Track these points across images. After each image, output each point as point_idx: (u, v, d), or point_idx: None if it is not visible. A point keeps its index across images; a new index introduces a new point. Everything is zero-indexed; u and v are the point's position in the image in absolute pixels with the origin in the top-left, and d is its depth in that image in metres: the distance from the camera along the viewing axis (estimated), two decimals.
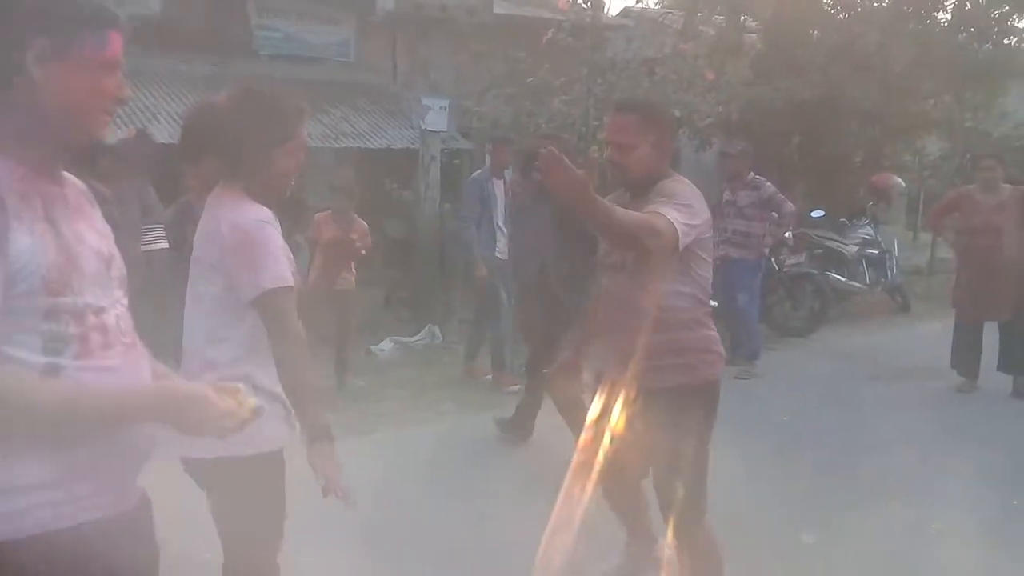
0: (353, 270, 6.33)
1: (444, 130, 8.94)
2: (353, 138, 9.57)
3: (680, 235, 2.52)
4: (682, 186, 2.72)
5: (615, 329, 2.78)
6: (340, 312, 6.15)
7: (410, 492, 4.32)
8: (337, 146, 9.21)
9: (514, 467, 4.83)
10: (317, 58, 11.26)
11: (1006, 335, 6.53)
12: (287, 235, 2.29)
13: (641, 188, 2.75)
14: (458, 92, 9.82)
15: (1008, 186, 6.56)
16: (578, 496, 2.87)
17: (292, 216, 4.48)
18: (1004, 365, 6.53)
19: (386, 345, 7.73)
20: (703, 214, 2.69)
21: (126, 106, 8.92)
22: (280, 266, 2.13)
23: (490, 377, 6.63)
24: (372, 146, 9.65)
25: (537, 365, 4.95)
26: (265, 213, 2.18)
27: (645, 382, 2.66)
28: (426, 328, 8.13)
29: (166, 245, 5.70)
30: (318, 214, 6.29)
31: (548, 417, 5.14)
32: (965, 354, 6.61)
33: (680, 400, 2.72)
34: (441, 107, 8.66)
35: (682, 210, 2.57)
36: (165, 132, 7.73)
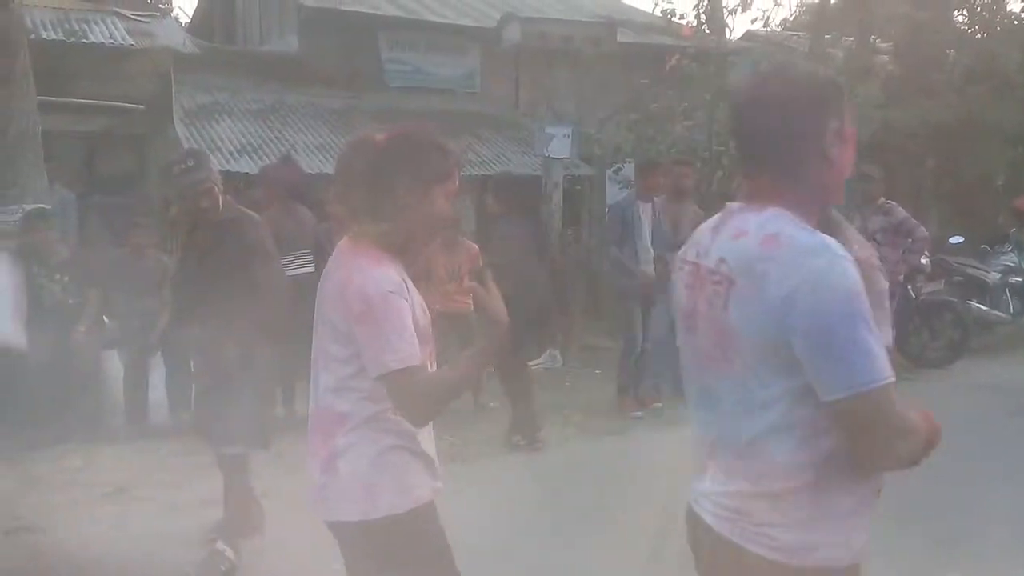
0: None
1: (567, 157, 9.08)
2: (477, 166, 9.83)
3: None
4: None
5: None
6: (461, 333, 6.32)
7: (534, 515, 4.37)
8: (461, 174, 9.49)
9: (638, 492, 4.81)
10: (444, 89, 11.65)
11: None
12: None
13: None
14: (579, 119, 9.95)
15: None
16: None
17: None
18: None
19: None
20: None
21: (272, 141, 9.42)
22: (405, 344, 1.98)
23: (640, 414, 6.57)
24: (494, 173, 9.87)
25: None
26: (392, 280, 2.03)
27: None
28: (547, 352, 8.25)
29: (311, 269, 6.02)
30: None
31: (673, 438, 5.12)
32: None
33: None
34: (565, 135, 8.80)
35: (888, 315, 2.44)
36: (304, 163, 8.17)
